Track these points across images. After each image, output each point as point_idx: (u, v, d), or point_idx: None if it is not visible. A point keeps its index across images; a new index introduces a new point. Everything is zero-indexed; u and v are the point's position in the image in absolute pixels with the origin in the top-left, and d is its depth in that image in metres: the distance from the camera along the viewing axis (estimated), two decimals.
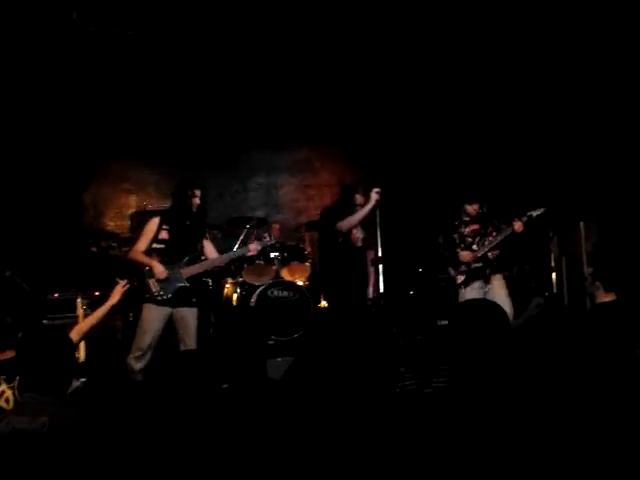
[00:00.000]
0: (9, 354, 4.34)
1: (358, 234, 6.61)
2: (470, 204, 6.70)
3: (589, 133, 8.62)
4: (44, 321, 7.30)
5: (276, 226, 8.94)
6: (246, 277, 8.22)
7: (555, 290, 8.12)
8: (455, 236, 6.75)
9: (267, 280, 8.18)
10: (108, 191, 9.43)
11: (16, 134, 8.83)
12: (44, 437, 2.75)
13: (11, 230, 8.49)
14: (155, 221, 5.90)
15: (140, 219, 8.20)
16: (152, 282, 5.68)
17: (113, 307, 5.40)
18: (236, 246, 8.02)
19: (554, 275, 8.18)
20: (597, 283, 5.30)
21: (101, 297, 6.59)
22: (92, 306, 6.58)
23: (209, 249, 6.11)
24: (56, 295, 7.57)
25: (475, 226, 6.73)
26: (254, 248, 6.06)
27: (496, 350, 3.50)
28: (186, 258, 5.86)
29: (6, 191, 8.66)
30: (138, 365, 5.59)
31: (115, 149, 9.45)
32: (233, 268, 8.22)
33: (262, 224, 8.69)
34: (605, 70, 8.40)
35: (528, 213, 6.44)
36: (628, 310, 5.09)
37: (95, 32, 8.37)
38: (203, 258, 6.01)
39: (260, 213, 9.66)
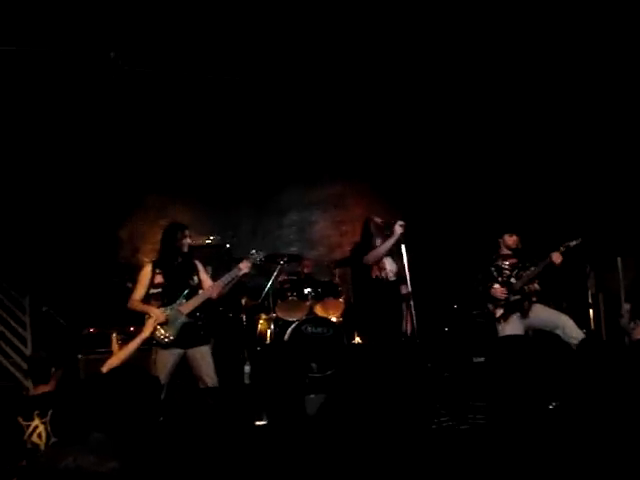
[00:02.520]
0: (43, 388, 4.37)
1: (390, 267, 6.57)
2: (510, 236, 6.66)
3: (625, 170, 8.55)
4: (79, 356, 7.34)
5: (307, 262, 8.93)
6: (279, 313, 8.20)
7: (592, 326, 7.99)
8: (493, 269, 6.68)
9: (300, 316, 8.15)
10: (144, 227, 9.49)
11: (55, 170, 8.98)
12: None
13: (48, 266, 8.59)
14: (148, 268, 5.97)
15: None
16: (156, 327, 5.70)
17: (144, 341, 5.45)
18: (269, 282, 8.05)
19: (591, 311, 8.05)
20: (637, 321, 5.24)
21: (136, 332, 6.61)
22: (127, 341, 6.62)
23: (205, 281, 6.15)
24: (91, 330, 7.63)
25: (513, 260, 6.67)
26: (245, 266, 6.04)
27: (534, 386, 3.44)
28: (181, 295, 5.89)
29: (44, 227, 8.79)
30: None
31: (151, 186, 9.55)
32: (267, 304, 8.22)
33: (294, 260, 8.70)
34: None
35: (565, 244, 6.39)
36: None
37: (132, 71, 8.53)
38: (201, 291, 6.03)
39: (294, 249, 9.68)
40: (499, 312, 6.55)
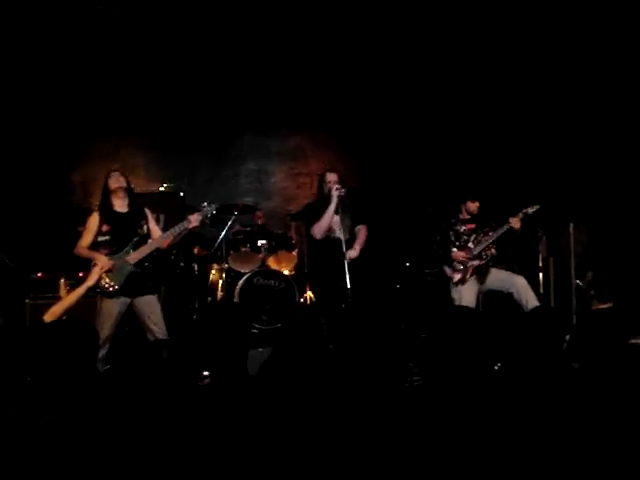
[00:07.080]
0: None
1: (338, 229, 6.40)
2: (472, 202, 6.69)
3: (583, 136, 8.60)
4: (26, 300, 7.22)
5: (259, 213, 8.86)
6: (232, 264, 8.16)
7: (541, 290, 8.08)
8: (451, 234, 6.73)
9: (253, 268, 8.12)
10: (97, 171, 9.21)
11: (6, 111, 8.72)
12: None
13: None
14: (95, 216, 5.84)
15: None
16: (101, 275, 5.60)
17: (89, 289, 5.36)
18: (223, 232, 7.99)
19: (541, 275, 8.14)
20: (592, 291, 5.34)
21: (85, 279, 6.50)
22: (75, 287, 6.51)
23: (154, 230, 6.07)
24: (39, 275, 7.48)
25: (472, 225, 6.73)
26: (195, 219, 5.94)
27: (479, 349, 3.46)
28: (130, 244, 5.79)
29: None
30: (99, 354, 5.46)
31: (106, 129, 9.34)
32: (219, 254, 8.16)
33: (249, 211, 8.62)
34: (602, 75, 8.40)
35: (524, 210, 6.48)
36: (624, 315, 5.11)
37: (90, 9, 8.26)
38: (150, 240, 5.93)
39: (249, 199, 9.57)
40: (457, 276, 6.61)
